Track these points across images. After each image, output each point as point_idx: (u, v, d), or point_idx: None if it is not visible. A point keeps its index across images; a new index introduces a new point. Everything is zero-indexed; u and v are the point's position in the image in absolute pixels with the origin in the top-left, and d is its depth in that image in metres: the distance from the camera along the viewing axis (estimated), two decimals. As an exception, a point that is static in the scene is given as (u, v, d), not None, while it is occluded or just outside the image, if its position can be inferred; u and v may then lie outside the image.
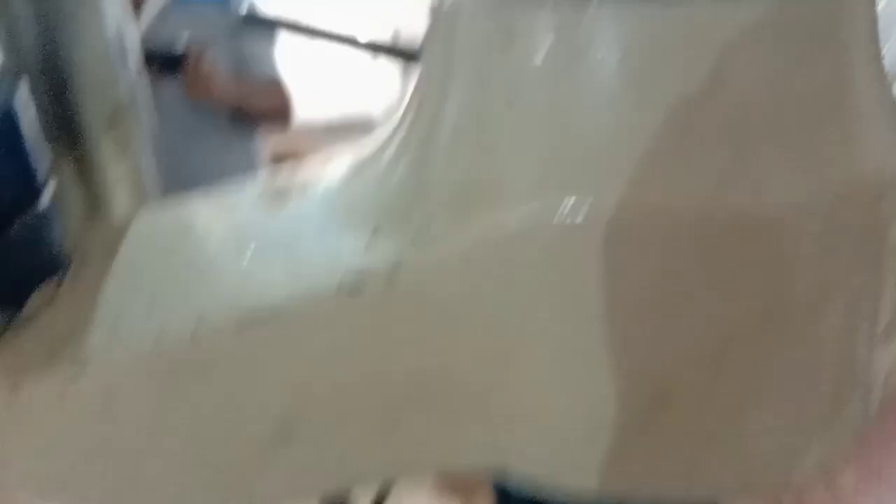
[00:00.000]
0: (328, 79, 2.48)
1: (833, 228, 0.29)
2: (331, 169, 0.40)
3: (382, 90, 2.50)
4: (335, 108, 2.14)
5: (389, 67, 1.88)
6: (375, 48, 1.27)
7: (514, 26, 0.29)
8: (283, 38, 2.21)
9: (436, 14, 0.33)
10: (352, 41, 0.74)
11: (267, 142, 2.00)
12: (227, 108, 1.49)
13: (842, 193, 0.29)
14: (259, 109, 1.57)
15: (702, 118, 0.27)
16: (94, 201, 0.48)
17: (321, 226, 0.34)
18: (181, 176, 1.57)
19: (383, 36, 1.47)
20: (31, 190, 0.33)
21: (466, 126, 0.31)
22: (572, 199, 0.28)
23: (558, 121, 0.29)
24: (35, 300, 0.34)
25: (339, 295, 0.31)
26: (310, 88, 2.02)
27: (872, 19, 0.32)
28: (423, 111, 0.34)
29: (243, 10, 0.96)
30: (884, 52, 0.32)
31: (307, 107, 1.89)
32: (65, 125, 0.46)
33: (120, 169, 0.49)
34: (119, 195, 0.50)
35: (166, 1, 1.46)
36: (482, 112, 0.31)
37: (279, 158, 2.36)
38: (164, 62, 1.41)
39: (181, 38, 1.44)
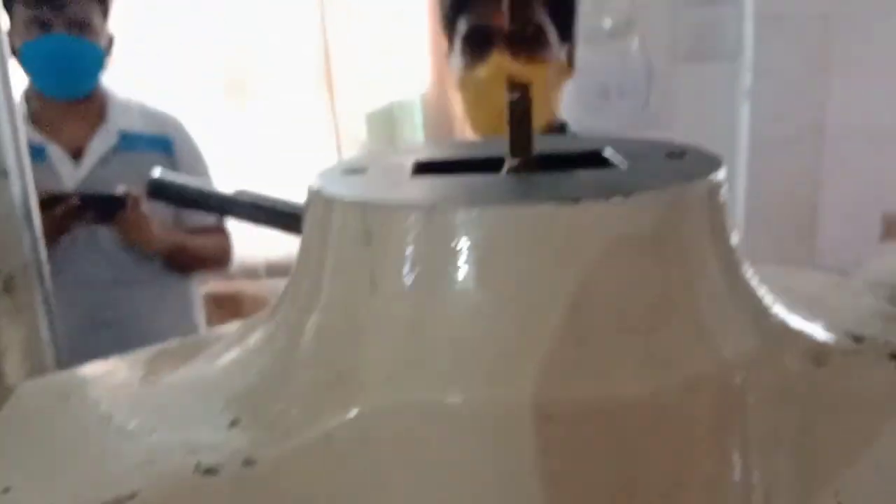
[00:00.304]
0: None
1: (684, 418, 0.30)
2: (214, 346, 0.40)
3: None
4: (277, 248, 2.16)
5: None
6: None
7: (372, 225, 0.30)
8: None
9: (312, 198, 0.35)
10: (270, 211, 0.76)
11: (205, 283, 2.00)
12: (163, 253, 1.49)
13: (691, 385, 0.30)
14: (197, 255, 1.57)
15: (548, 312, 0.29)
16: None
17: (186, 406, 0.33)
18: (113, 319, 1.54)
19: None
20: None
21: (333, 315, 0.32)
22: (426, 393, 0.28)
23: (414, 316, 0.29)
24: None
25: (195, 478, 0.30)
26: (251, 227, 2.04)
27: (719, 216, 0.34)
28: (294, 298, 0.34)
29: (155, 174, 0.98)
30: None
31: (248, 246, 1.90)
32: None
33: (13, 334, 0.48)
34: (10, 360, 0.49)
35: (109, 147, 1.49)
36: (347, 302, 0.31)
37: (218, 301, 2.35)
38: (101, 206, 1.42)
39: (121, 183, 1.45)
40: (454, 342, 0.29)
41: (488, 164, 0.38)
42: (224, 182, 1.97)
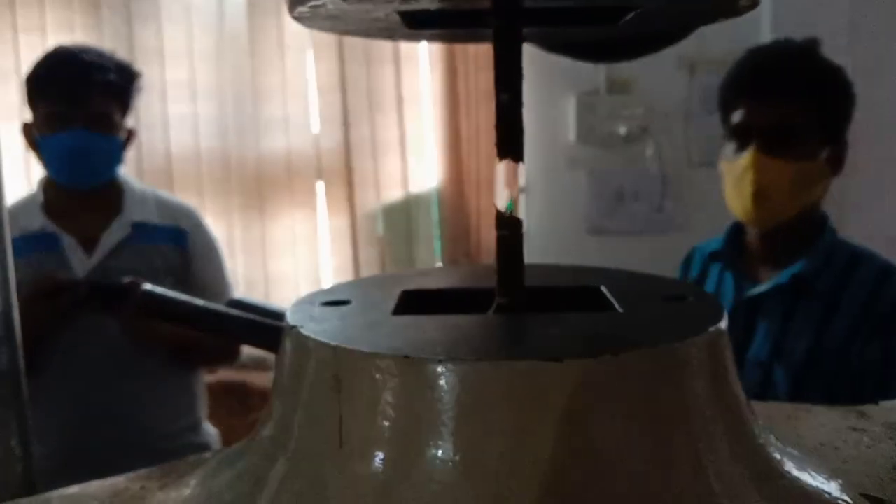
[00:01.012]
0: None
1: None
2: (184, 479, 0.37)
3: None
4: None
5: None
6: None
7: (342, 371, 0.28)
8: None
9: (286, 333, 0.33)
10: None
11: (212, 374, 1.97)
12: (167, 347, 1.47)
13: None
14: (202, 350, 1.55)
15: (526, 481, 0.26)
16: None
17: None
18: (114, 413, 1.51)
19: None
20: None
21: (298, 465, 0.29)
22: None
23: (382, 479, 0.27)
24: None
25: None
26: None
27: (720, 368, 0.32)
28: (265, 437, 0.32)
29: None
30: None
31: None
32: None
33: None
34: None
35: (121, 237, 1.49)
36: (313, 452, 0.29)
37: (227, 389, 2.32)
38: (107, 296, 1.41)
39: (131, 274, 1.45)
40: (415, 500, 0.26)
41: (477, 298, 0.36)
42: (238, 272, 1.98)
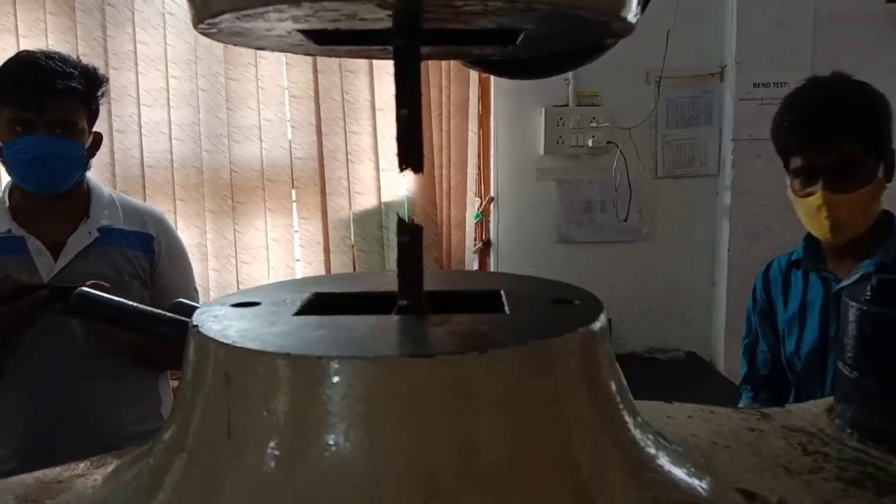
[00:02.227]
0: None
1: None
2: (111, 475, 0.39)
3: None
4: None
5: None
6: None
7: (229, 367, 0.30)
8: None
9: (189, 332, 0.35)
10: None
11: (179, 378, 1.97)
12: (128, 348, 1.47)
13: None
14: (165, 351, 1.55)
15: (392, 469, 0.28)
16: None
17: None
18: (77, 412, 1.50)
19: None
20: None
21: (194, 458, 0.31)
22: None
23: (264, 467, 0.29)
24: None
25: None
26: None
27: (594, 367, 0.34)
28: (168, 435, 0.34)
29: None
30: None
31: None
32: None
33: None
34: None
35: (87, 241, 1.50)
36: (206, 446, 0.31)
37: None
38: (65, 299, 1.41)
39: (96, 278, 1.45)
40: (301, 502, 0.28)
41: (385, 301, 0.38)
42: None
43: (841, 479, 0.40)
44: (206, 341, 0.32)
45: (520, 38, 0.35)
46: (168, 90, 2.28)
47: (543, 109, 2.24)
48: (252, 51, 2.27)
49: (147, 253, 1.58)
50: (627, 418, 0.35)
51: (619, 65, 2.23)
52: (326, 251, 2.42)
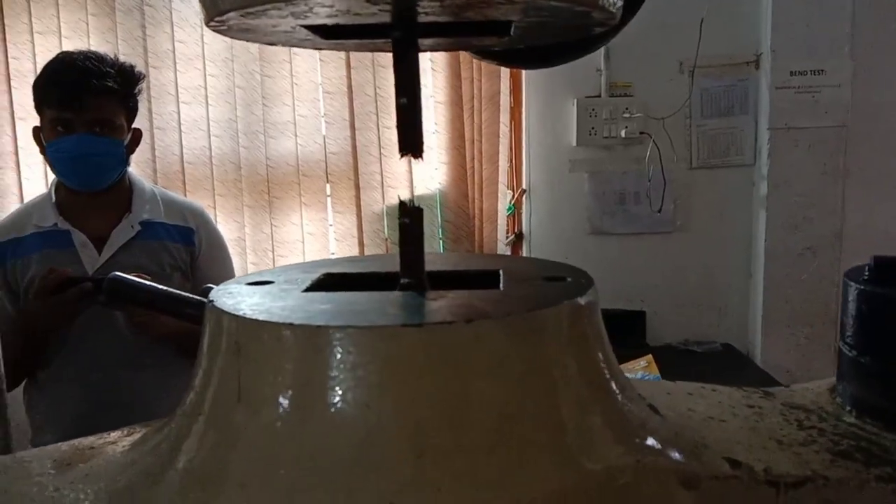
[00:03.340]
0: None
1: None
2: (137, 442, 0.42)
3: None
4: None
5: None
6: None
7: (240, 337, 0.33)
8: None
9: (206, 309, 0.37)
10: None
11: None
12: (170, 338, 1.52)
13: (544, 498, 0.31)
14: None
15: (388, 427, 0.30)
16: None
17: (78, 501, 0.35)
18: (119, 401, 1.56)
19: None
20: None
21: (210, 422, 0.34)
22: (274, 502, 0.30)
23: (273, 428, 0.32)
24: None
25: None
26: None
27: (582, 338, 0.36)
28: (187, 403, 0.37)
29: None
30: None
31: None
32: None
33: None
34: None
35: (130, 235, 1.55)
36: (219, 410, 0.34)
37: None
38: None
39: (139, 270, 1.50)
40: (305, 456, 0.31)
41: (391, 280, 0.41)
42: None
43: (831, 452, 0.42)
44: (220, 314, 0.35)
45: (512, 29, 0.37)
46: (206, 88, 2.33)
47: (575, 101, 2.25)
48: (286, 48, 2.32)
49: (188, 246, 1.63)
50: (615, 388, 0.37)
51: (651, 55, 2.24)
52: (361, 244, 2.45)
